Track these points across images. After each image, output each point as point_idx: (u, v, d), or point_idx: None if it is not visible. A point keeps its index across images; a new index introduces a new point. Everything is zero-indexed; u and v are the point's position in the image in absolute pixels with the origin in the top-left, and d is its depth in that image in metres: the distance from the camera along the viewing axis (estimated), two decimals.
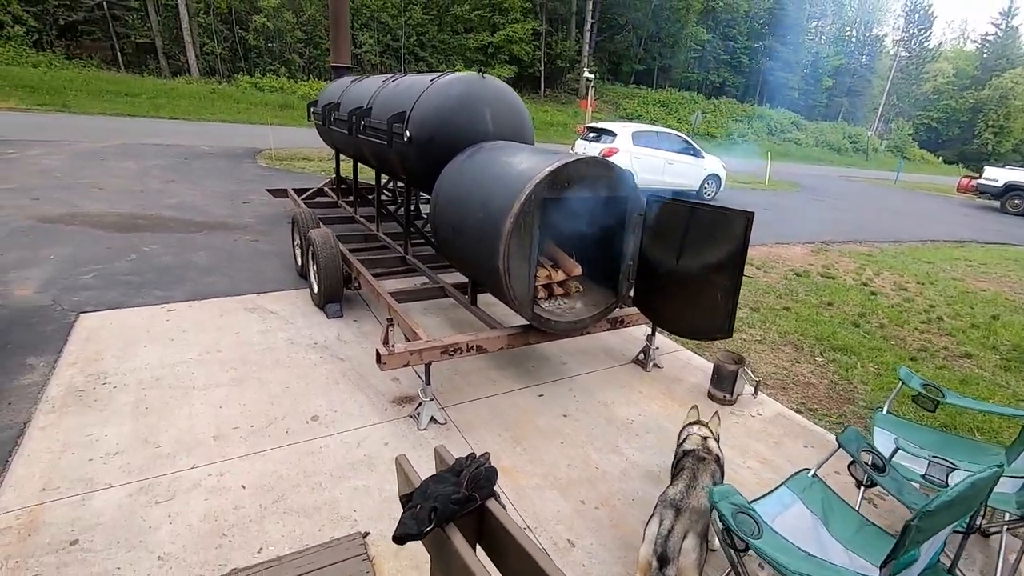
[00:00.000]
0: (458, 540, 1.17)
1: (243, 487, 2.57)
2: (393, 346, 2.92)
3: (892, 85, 51.75)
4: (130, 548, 2.19)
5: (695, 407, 2.63)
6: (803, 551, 1.76)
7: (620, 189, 3.18)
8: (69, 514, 2.33)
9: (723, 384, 3.58)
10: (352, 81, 6.14)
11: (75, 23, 25.22)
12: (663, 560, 1.78)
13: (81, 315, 4.16)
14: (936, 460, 2.08)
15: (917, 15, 53.56)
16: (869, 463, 2.16)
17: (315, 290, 4.55)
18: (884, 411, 2.75)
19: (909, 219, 14.58)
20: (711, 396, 3.67)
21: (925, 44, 55.11)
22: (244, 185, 9.45)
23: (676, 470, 2.09)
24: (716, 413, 2.63)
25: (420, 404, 3.16)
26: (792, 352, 4.55)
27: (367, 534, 2.37)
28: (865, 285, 6.63)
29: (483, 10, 32.11)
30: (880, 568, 1.49)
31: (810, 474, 2.25)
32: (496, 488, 1.33)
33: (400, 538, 1.21)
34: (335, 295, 4.41)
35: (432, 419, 3.15)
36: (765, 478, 2.91)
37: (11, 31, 22.90)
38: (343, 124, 5.30)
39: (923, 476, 2.16)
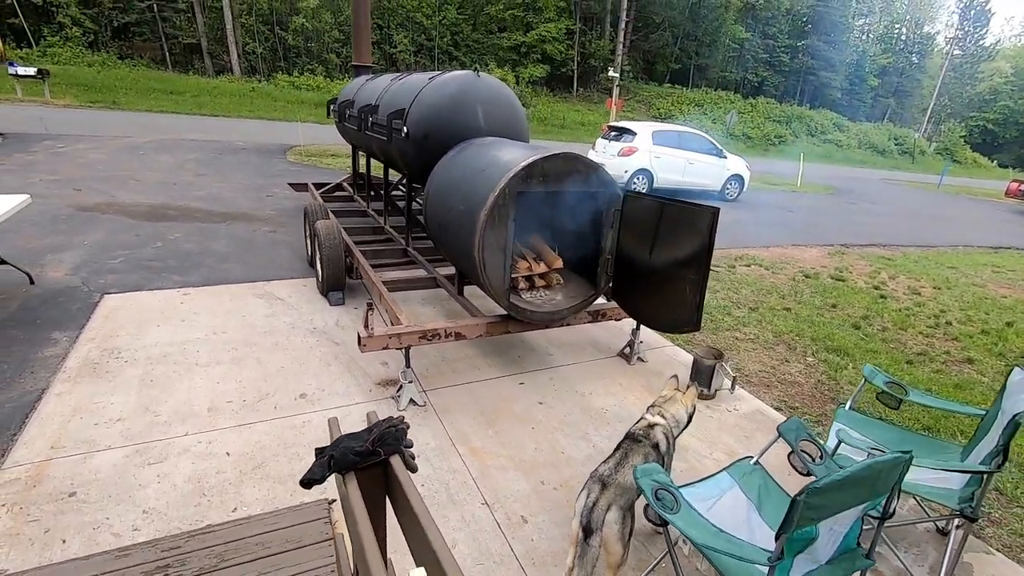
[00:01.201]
0: (351, 487, 1.32)
1: (227, 454, 2.78)
2: (372, 329, 3.09)
3: (943, 85, 49.54)
4: (120, 502, 2.43)
5: (675, 376, 2.67)
6: (715, 527, 1.84)
7: (597, 184, 3.28)
8: (71, 470, 2.59)
9: (701, 378, 3.63)
10: (367, 80, 6.38)
11: (127, 24, 26.55)
12: (587, 531, 1.89)
13: (105, 296, 4.49)
14: (874, 452, 2.12)
15: (973, 12, 51.08)
16: (818, 455, 2.22)
17: (319, 278, 4.78)
18: (847, 407, 2.77)
19: (945, 223, 14.05)
20: None
21: (981, 42, 52.53)
22: (271, 179, 9.86)
23: (614, 450, 2.19)
24: (693, 384, 2.69)
25: (401, 387, 3.33)
26: (784, 351, 4.54)
27: (333, 501, 2.54)
28: (876, 288, 6.50)
29: (517, 9, 32.26)
30: (775, 540, 1.57)
31: (752, 461, 2.31)
32: (415, 450, 1.47)
33: (306, 482, 1.36)
34: (337, 283, 4.63)
35: (411, 401, 3.31)
36: None
37: (69, 32, 24.27)
38: (355, 121, 5.53)
39: None
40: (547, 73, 32.97)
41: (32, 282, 4.63)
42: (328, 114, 7.45)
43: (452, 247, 3.53)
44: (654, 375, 3.95)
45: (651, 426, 2.34)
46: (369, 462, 1.41)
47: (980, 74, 52.63)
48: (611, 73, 19.63)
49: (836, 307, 5.65)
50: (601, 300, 3.82)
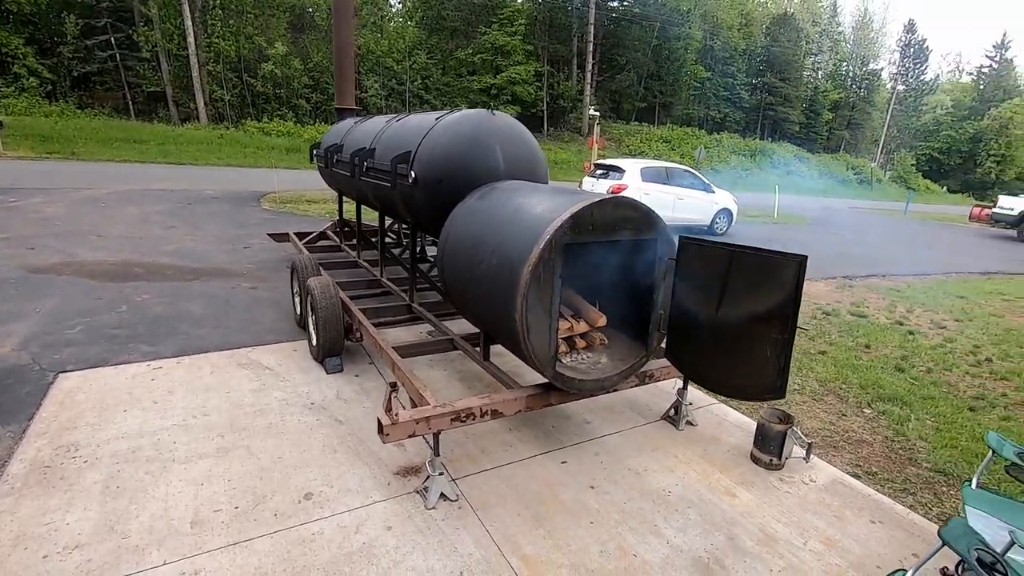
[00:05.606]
0: None
1: None
2: (396, 414, 2.55)
3: (891, 117, 52.27)
4: None
5: None
6: None
7: (649, 232, 2.87)
8: None
9: (769, 446, 3.18)
10: (356, 122, 5.96)
11: (88, 74, 25.85)
12: None
13: (60, 375, 3.83)
14: None
15: (912, 50, 54.49)
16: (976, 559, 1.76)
17: (314, 343, 4.21)
18: (973, 485, 2.34)
19: (925, 249, 14.22)
20: (755, 459, 3.26)
21: (922, 77, 55.94)
22: (246, 229, 9.25)
23: None
24: None
25: (428, 478, 2.77)
26: (835, 403, 4.13)
27: None
28: (900, 324, 6.23)
29: (486, 53, 32.81)
30: None
31: None
32: None
33: None
34: (335, 348, 4.07)
35: (442, 495, 2.76)
36: (833, 565, 2.48)
37: (26, 83, 23.45)
38: (346, 166, 5.08)
39: None
40: (518, 114, 33.32)
41: None
42: (311, 159, 6.98)
43: (481, 307, 3.05)
44: (709, 442, 3.47)
45: None
46: None
47: (924, 106, 55.76)
48: (591, 111, 19.76)
49: (870, 347, 5.31)
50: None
